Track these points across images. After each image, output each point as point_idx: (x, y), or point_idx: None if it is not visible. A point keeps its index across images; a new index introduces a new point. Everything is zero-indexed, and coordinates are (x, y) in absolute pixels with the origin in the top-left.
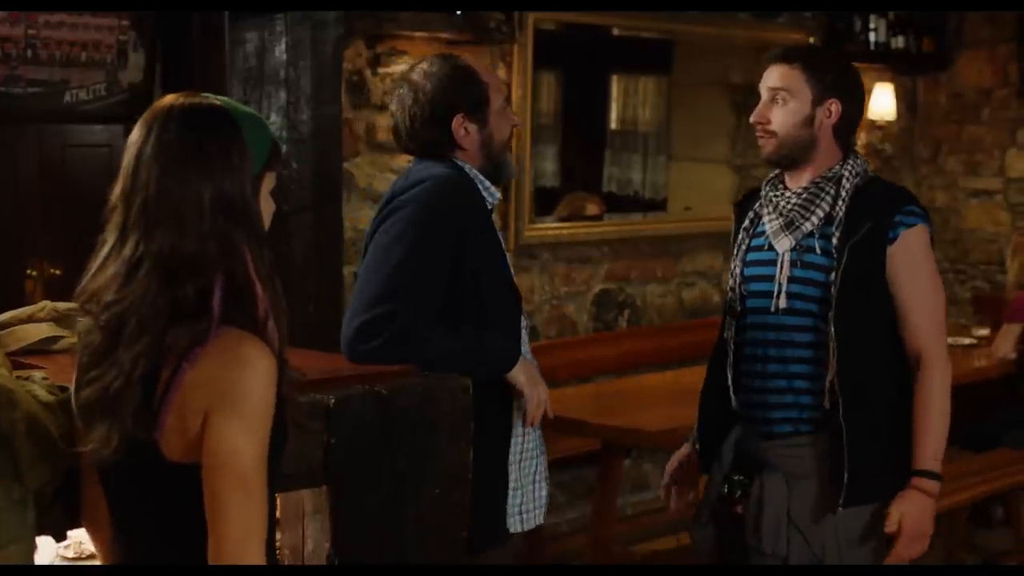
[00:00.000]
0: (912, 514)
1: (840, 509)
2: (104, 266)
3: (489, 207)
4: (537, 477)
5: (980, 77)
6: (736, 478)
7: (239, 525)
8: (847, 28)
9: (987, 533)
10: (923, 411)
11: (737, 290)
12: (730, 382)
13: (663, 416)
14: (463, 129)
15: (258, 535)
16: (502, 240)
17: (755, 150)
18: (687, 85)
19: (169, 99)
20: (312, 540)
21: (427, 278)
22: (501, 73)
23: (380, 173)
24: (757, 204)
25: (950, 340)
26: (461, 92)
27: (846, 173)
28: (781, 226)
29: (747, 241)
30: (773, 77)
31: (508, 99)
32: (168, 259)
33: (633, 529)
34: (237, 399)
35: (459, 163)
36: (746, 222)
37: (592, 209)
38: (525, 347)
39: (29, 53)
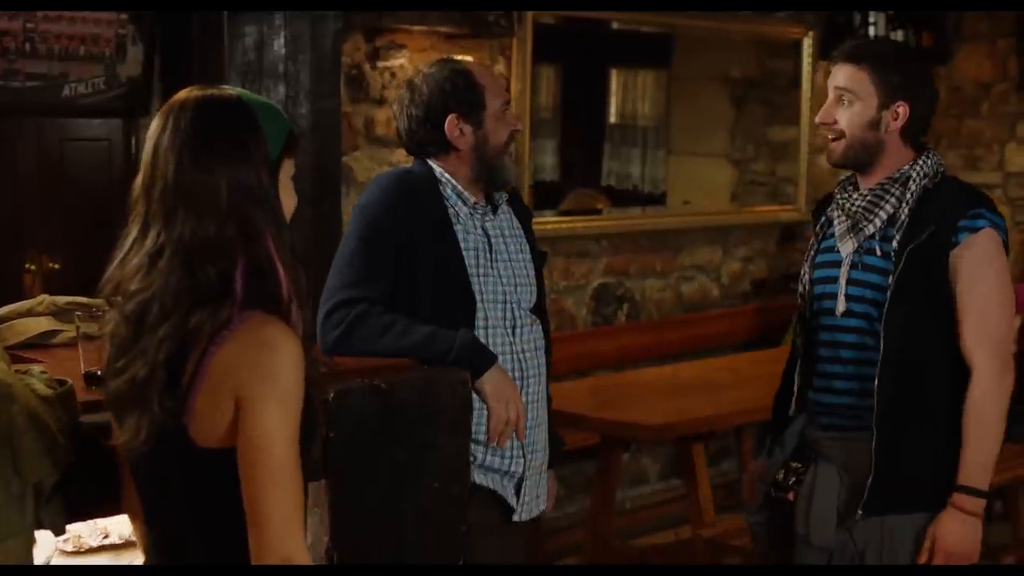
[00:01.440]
0: (949, 533)
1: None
2: (127, 257)
3: (468, 210)
4: (508, 477)
5: (979, 71)
6: (793, 465)
7: (280, 511)
8: (847, 22)
9: (986, 527)
10: (966, 423)
11: (806, 296)
12: (796, 387)
13: (662, 410)
14: (457, 130)
15: (298, 519)
16: (474, 242)
17: (753, 144)
18: (686, 79)
19: (185, 91)
20: (311, 534)
21: (372, 276)
22: (500, 67)
23: (379, 167)
24: (829, 208)
25: None
26: (456, 93)
27: (914, 174)
28: (848, 228)
29: (816, 246)
30: (840, 77)
31: (509, 103)
32: (189, 244)
33: (632, 523)
34: (267, 383)
35: (434, 165)
36: (817, 226)
37: (596, 204)
38: (505, 347)
39: (27, 47)
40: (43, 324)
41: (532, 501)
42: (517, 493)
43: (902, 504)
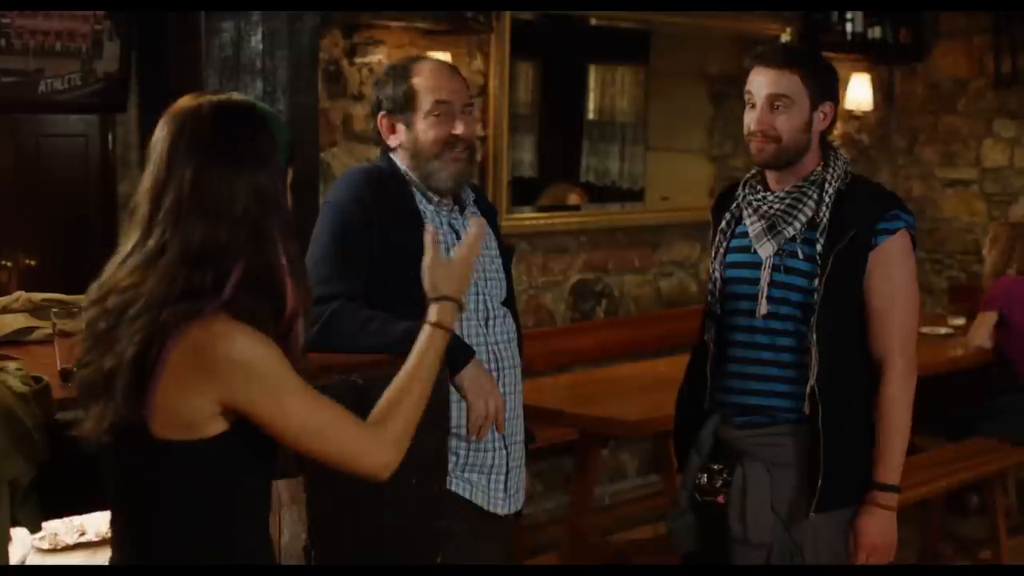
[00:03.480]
0: (873, 528)
1: (812, 513)
2: (124, 262)
3: (433, 208)
4: (495, 471)
5: (956, 68)
6: (715, 467)
7: (344, 442)
8: (824, 19)
9: (963, 521)
10: (880, 422)
11: (717, 294)
12: (709, 383)
13: (640, 406)
14: (388, 128)
15: (358, 431)
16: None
17: (732, 140)
18: (664, 75)
19: (194, 98)
20: (288, 531)
21: (346, 271)
22: (478, 63)
23: (357, 163)
24: (734, 205)
25: (926, 330)
26: (384, 91)
27: (828, 176)
28: (763, 230)
29: (725, 243)
30: (771, 82)
31: (466, 105)
32: (199, 247)
33: (611, 519)
34: (252, 378)
35: (395, 160)
36: (723, 224)
37: (574, 200)
38: (479, 339)
39: (3, 42)
40: (19, 321)
41: (516, 494)
42: (504, 486)
43: (846, 500)
